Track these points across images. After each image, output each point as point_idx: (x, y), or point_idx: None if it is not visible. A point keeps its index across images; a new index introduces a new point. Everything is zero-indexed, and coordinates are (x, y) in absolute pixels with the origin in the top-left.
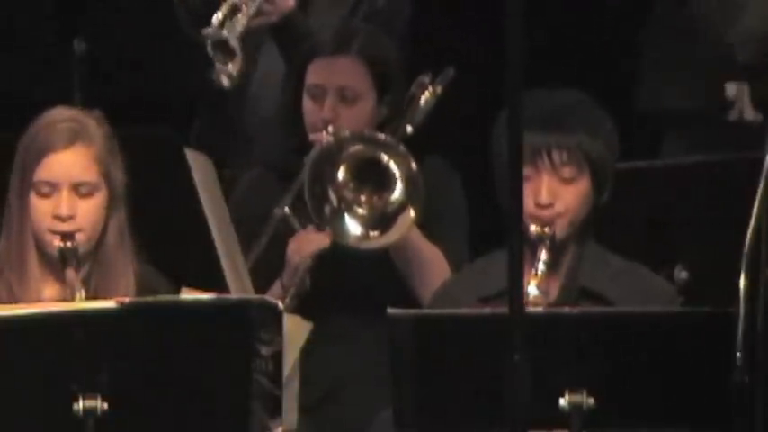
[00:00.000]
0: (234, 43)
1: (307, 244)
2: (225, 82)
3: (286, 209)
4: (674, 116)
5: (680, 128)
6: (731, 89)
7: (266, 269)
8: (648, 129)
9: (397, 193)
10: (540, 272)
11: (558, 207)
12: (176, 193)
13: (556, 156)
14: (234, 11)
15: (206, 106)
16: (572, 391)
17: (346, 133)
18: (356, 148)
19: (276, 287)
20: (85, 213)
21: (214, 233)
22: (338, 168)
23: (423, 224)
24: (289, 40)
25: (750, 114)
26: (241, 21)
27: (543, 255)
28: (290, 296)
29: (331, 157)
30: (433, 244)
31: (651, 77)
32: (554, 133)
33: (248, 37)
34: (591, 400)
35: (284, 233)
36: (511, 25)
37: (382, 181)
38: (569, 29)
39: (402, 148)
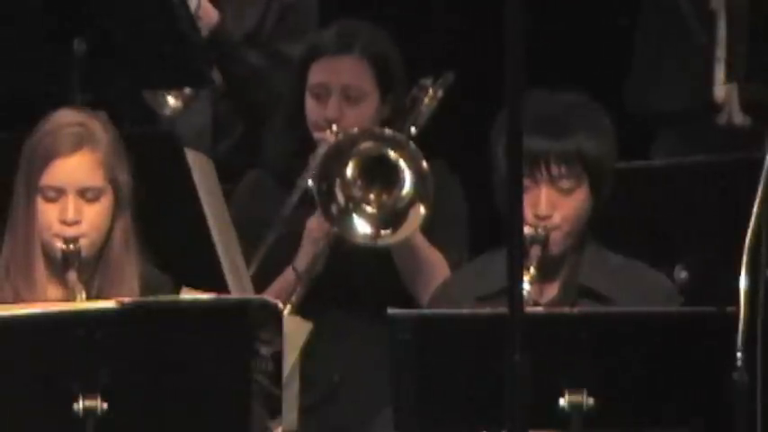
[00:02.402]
0: None
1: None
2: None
3: (309, 181)
4: (662, 117)
5: (669, 129)
6: (720, 92)
7: (268, 270)
8: (637, 130)
9: (407, 189)
10: (531, 269)
11: (557, 218)
12: (176, 193)
13: (554, 168)
14: None
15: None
16: (572, 391)
17: (355, 130)
18: (365, 145)
19: (278, 283)
20: (92, 218)
21: (214, 233)
22: (347, 166)
23: (424, 228)
24: (217, 53)
25: (739, 118)
26: None
27: (535, 253)
28: (304, 285)
29: (340, 155)
30: (435, 248)
31: (640, 78)
32: (553, 138)
33: None
34: (591, 400)
35: (288, 234)
36: (511, 25)
37: (391, 178)
38: (559, 29)
39: (411, 144)
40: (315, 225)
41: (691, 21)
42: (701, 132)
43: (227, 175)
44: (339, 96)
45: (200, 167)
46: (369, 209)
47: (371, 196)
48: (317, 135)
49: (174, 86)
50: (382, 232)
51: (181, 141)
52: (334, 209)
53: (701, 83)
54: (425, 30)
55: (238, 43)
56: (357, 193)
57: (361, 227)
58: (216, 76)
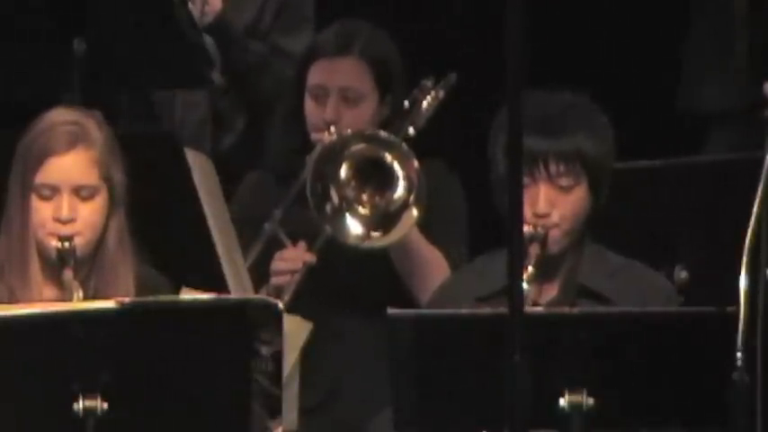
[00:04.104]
0: None
1: (291, 263)
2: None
3: (277, 218)
4: (713, 115)
5: (720, 127)
6: None
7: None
8: (689, 128)
9: (400, 191)
10: (530, 268)
11: (555, 216)
12: (176, 193)
13: (553, 166)
14: None
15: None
16: (572, 391)
17: (349, 132)
18: (359, 146)
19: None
20: (86, 216)
21: (214, 233)
22: (340, 167)
23: (423, 226)
24: (222, 40)
25: None
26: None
27: (534, 252)
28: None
29: (333, 156)
30: (433, 246)
31: (691, 77)
32: (551, 138)
33: None
34: (591, 400)
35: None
36: (511, 25)
37: (385, 180)
38: (610, 30)
39: (405, 146)
40: (278, 266)
41: (739, 20)
42: (754, 130)
43: (228, 174)
44: (337, 98)
45: (200, 167)
46: (362, 210)
47: (364, 197)
48: (315, 136)
49: (174, 86)
50: (373, 234)
51: (181, 141)
52: (327, 208)
53: (751, 80)
54: (426, 28)
55: (241, 32)
56: (350, 193)
57: (354, 227)
58: (216, 75)
